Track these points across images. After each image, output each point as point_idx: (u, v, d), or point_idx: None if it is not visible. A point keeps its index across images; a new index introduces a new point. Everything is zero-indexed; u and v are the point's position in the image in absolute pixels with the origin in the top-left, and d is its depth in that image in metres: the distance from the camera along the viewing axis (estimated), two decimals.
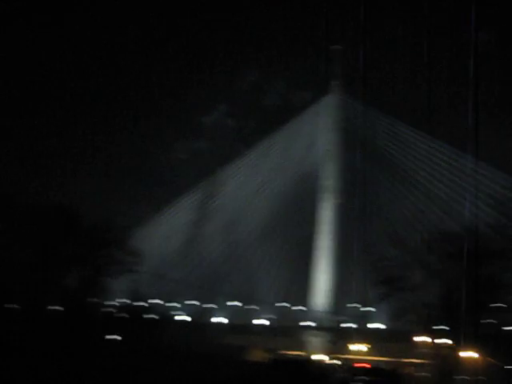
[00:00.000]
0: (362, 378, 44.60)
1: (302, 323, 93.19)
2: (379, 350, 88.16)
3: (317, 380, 48.06)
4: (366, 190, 78.94)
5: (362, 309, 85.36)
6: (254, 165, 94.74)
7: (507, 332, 40.31)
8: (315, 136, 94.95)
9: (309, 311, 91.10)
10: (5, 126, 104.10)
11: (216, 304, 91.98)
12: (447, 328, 43.42)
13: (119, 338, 50.72)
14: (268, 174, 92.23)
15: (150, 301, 61.51)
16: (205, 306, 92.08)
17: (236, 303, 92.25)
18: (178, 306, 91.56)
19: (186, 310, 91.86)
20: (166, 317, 63.40)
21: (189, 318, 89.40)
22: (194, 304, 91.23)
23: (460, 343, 41.04)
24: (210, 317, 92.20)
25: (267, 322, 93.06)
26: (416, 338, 49.38)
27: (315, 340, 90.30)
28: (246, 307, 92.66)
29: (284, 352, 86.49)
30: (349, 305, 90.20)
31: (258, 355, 79.29)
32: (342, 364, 79.65)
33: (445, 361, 42.51)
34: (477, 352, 41.99)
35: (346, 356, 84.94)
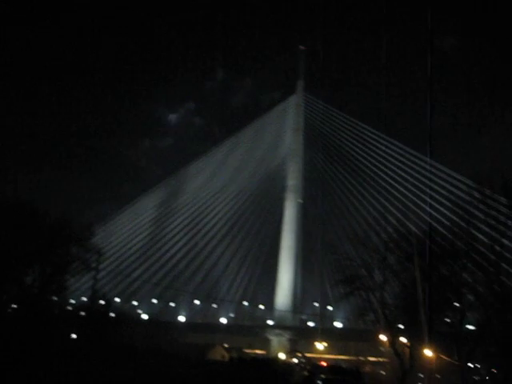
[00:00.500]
0: (323, 375, 45.09)
1: (263, 322, 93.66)
2: (339, 348, 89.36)
3: (278, 378, 48.28)
4: (328, 190, 79.97)
5: (323, 308, 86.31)
6: (219, 163, 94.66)
7: (463, 331, 41.38)
8: (280, 135, 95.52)
9: (271, 310, 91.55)
10: None
11: (177, 303, 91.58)
12: (405, 327, 44.28)
13: (75, 336, 49.98)
14: (233, 173, 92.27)
15: (110, 299, 60.79)
16: (166, 304, 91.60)
17: (197, 302, 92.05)
18: (139, 304, 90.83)
19: (147, 308, 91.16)
20: (126, 315, 62.73)
21: (149, 317, 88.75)
22: (155, 303, 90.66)
23: (417, 342, 41.97)
24: (171, 315, 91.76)
25: (228, 321, 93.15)
26: (375, 337, 50.21)
27: (276, 339, 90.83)
28: (207, 306, 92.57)
29: (245, 350, 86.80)
30: (310, 304, 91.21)
31: (219, 354, 79.33)
32: (303, 362, 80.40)
33: (402, 359, 43.39)
34: (433, 350, 43.01)
35: (307, 354, 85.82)
